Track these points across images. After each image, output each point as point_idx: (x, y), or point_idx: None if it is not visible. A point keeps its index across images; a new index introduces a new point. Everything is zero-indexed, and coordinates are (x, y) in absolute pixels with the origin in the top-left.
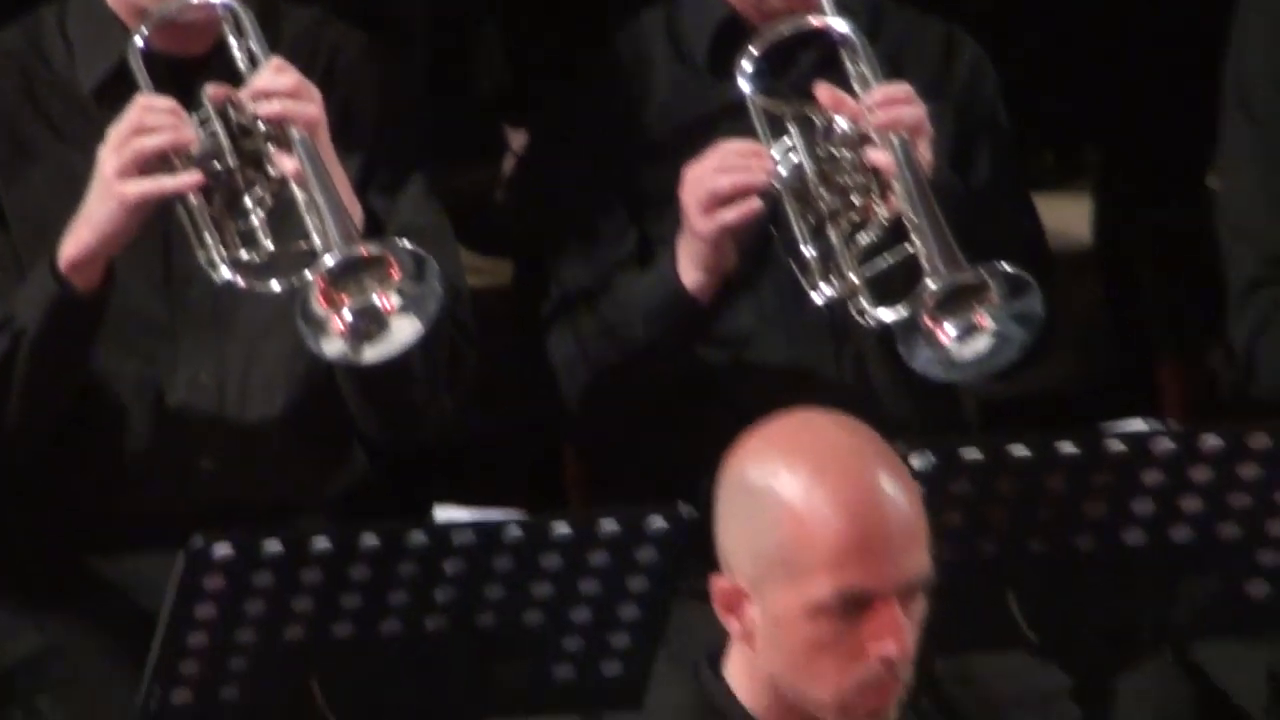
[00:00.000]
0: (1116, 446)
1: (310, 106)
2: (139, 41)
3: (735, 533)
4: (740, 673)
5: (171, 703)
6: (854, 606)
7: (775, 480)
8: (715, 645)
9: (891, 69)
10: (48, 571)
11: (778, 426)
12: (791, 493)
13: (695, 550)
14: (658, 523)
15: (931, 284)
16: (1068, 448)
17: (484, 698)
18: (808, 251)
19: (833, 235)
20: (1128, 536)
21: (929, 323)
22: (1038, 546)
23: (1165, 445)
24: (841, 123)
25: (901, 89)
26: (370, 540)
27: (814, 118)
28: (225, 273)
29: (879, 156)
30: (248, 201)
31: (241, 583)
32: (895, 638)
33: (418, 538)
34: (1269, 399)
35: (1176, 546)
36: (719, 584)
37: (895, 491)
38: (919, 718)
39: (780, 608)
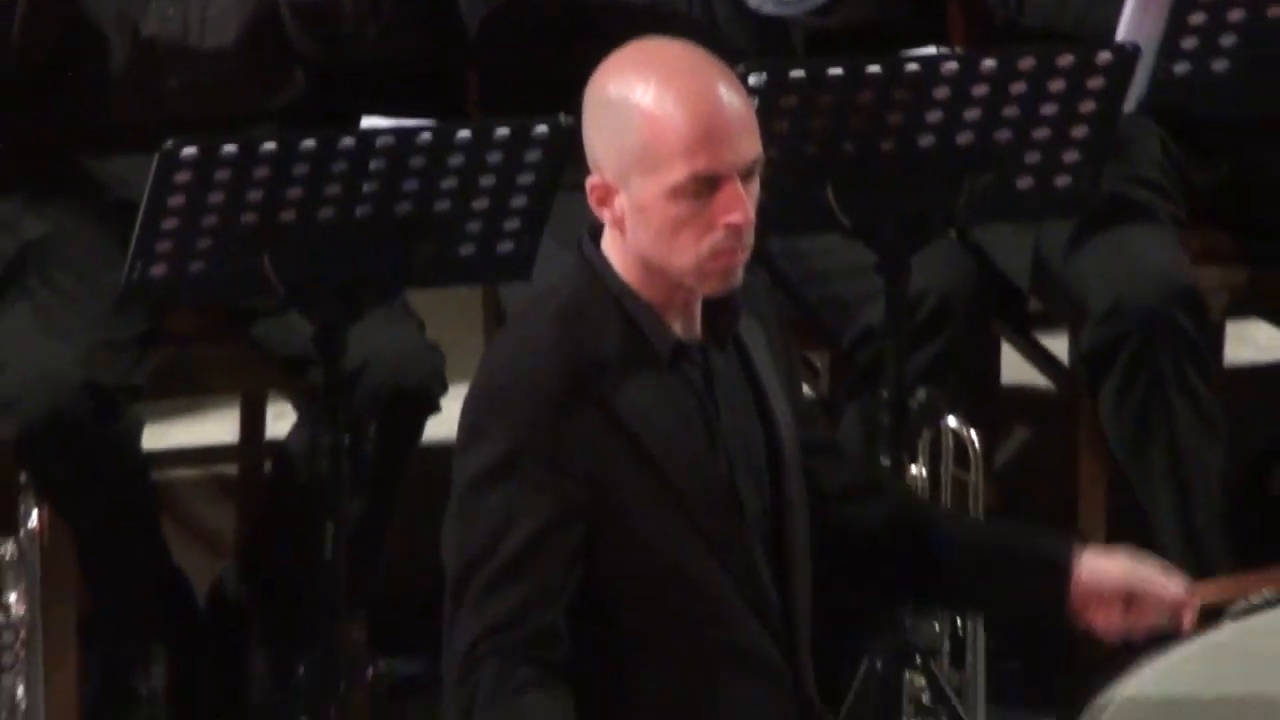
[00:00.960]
0: (912, 67)
1: None
2: None
3: (601, 138)
4: (613, 252)
5: (150, 275)
6: (704, 187)
7: (631, 91)
8: (593, 228)
9: None
10: (50, 171)
11: (631, 49)
12: (645, 99)
13: (573, 153)
14: (541, 129)
15: None
16: (873, 68)
17: (402, 272)
18: None
19: None
20: (921, 141)
21: None
22: (850, 148)
23: (951, 66)
24: None
25: None
26: (309, 143)
27: None
28: None
29: None
30: None
31: (204, 177)
32: (739, 209)
33: (347, 141)
34: (1034, 29)
35: (960, 148)
36: (591, 181)
37: (730, 93)
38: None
39: (643, 195)
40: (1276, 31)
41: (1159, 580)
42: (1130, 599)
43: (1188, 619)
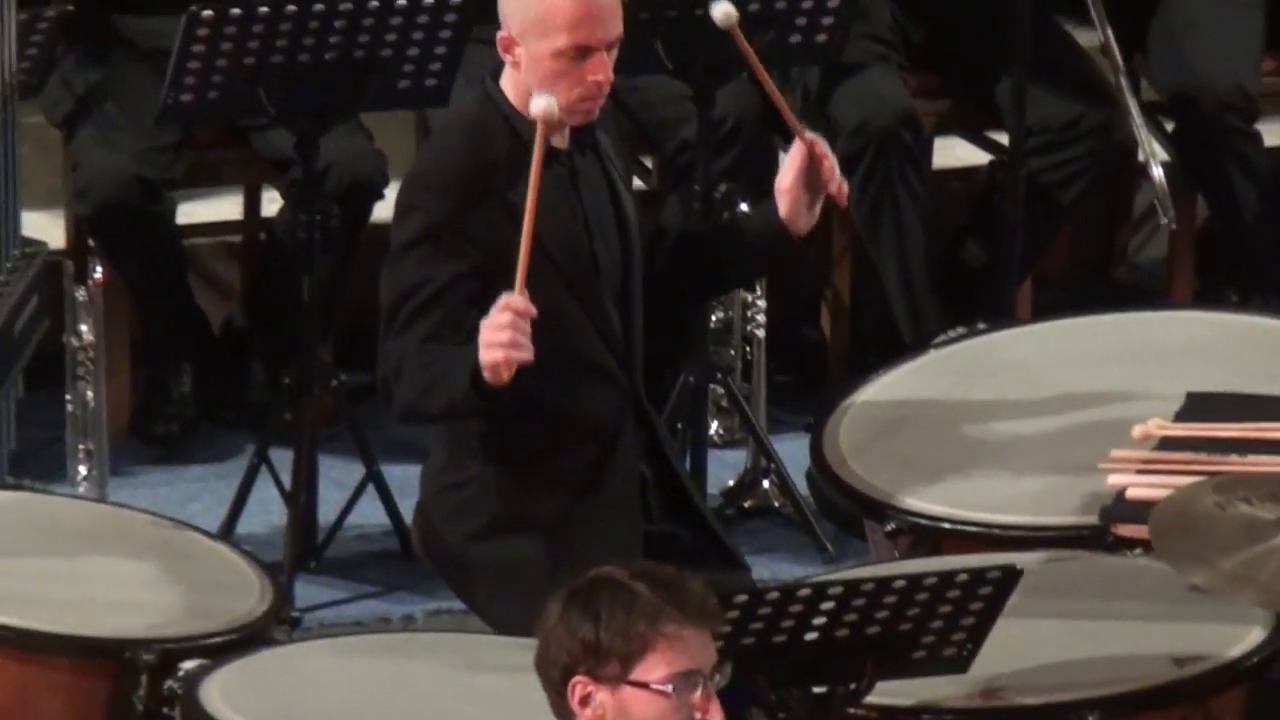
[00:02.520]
0: None
1: None
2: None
3: (511, 5)
4: (508, 86)
5: (181, 101)
6: (579, 53)
7: None
8: (493, 70)
9: None
10: (108, 30)
11: None
12: None
13: (482, 15)
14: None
15: None
16: None
17: (357, 99)
18: None
19: None
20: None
21: None
22: (673, 14)
23: None
24: None
25: None
26: (291, 7)
27: None
28: None
29: None
30: None
31: (217, 32)
32: (603, 71)
33: (319, 6)
34: None
35: (748, 15)
36: (500, 34)
37: None
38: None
39: (536, 50)
40: None
41: (793, 157)
42: (805, 184)
43: (821, 156)
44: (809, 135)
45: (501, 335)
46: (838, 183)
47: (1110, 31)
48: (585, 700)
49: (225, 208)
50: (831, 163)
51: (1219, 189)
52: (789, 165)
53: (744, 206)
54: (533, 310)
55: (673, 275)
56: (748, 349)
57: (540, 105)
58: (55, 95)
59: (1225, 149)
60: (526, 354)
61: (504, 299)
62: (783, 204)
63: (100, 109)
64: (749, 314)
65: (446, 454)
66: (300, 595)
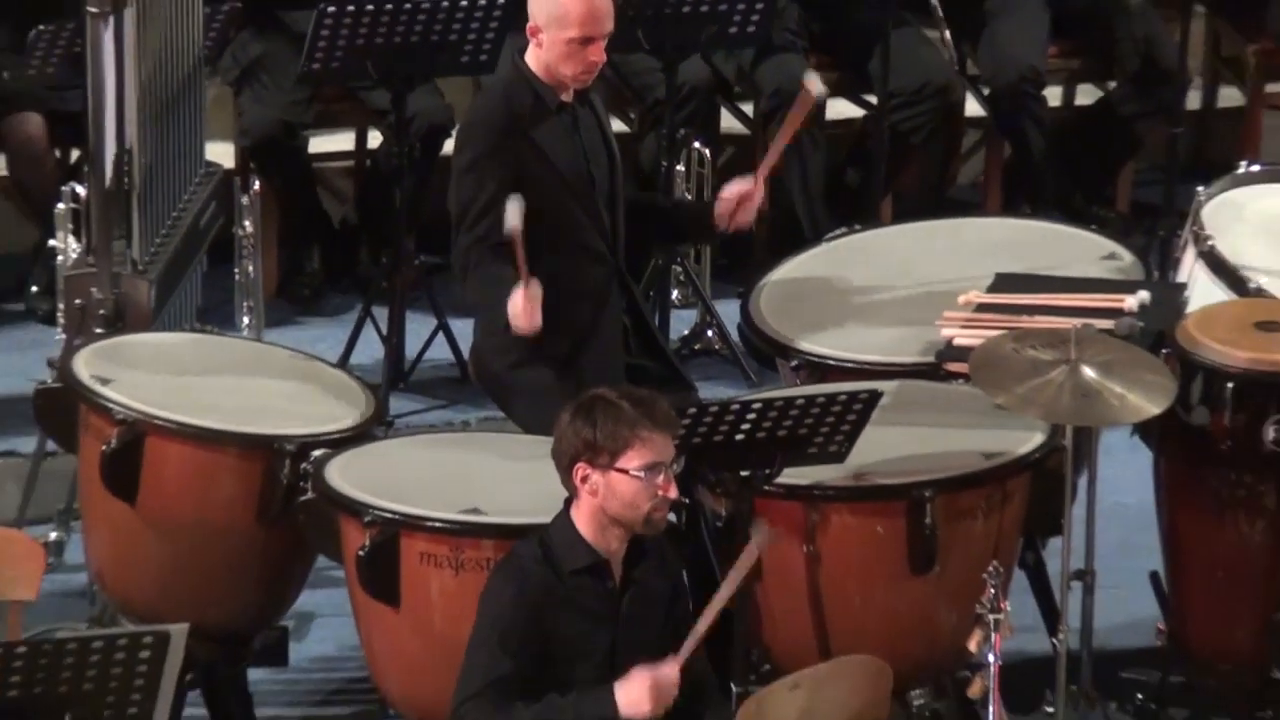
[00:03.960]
0: None
1: None
2: None
3: (538, 4)
4: (531, 61)
5: (313, 69)
6: (585, 42)
7: None
8: (520, 49)
9: None
10: (266, 17)
11: None
12: None
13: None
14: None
15: None
16: None
17: (434, 67)
18: None
19: None
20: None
21: None
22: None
23: None
24: None
25: None
26: (388, 4)
27: None
28: None
29: None
30: None
31: (338, 22)
32: (599, 55)
33: (408, 4)
34: None
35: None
36: (529, 25)
37: None
38: None
39: (554, 39)
40: None
41: (742, 185)
42: (740, 200)
43: (752, 196)
44: (759, 185)
45: (523, 318)
46: (747, 221)
47: (947, 29)
48: (585, 480)
49: (342, 142)
50: (754, 205)
51: (1018, 135)
52: (736, 189)
53: (697, 144)
54: (539, 293)
55: (639, 229)
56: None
57: (511, 218)
58: (228, 64)
59: (1023, 109)
60: (537, 323)
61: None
62: (720, 208)
63: (258, 74)
64: None
65: (489, 319)
66: (393, 407)
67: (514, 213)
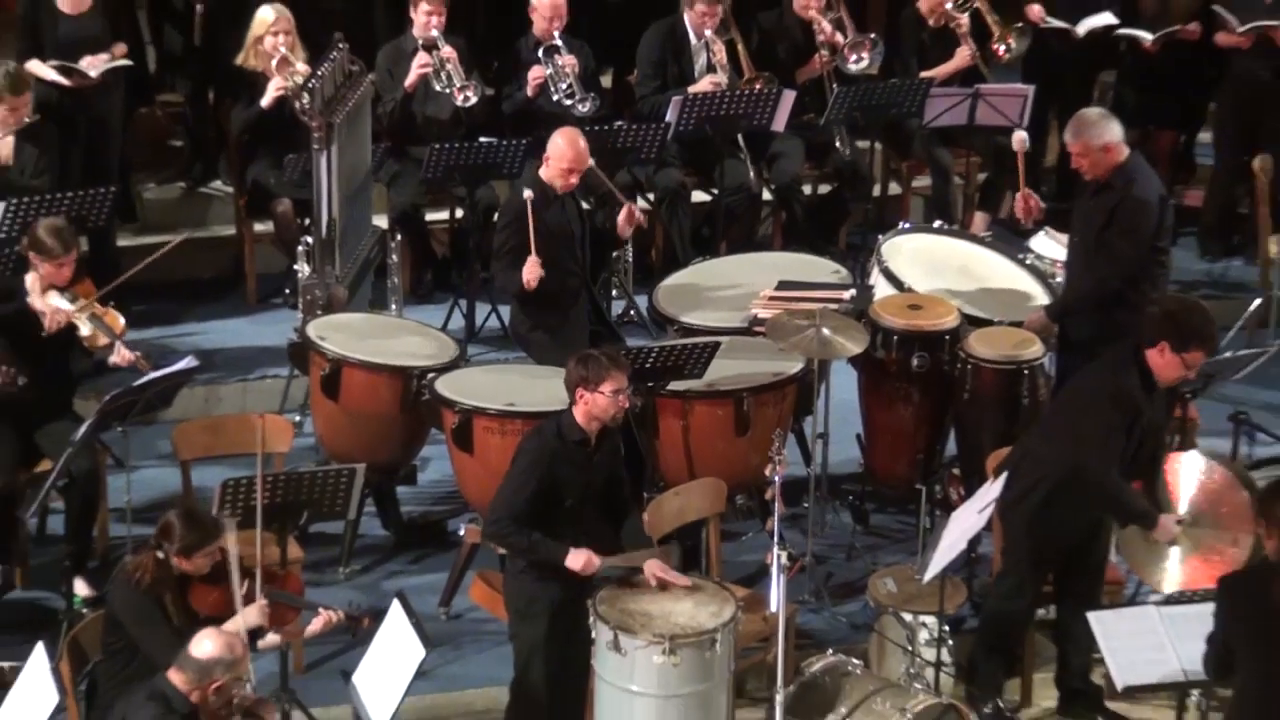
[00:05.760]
0: None
1: None
2: None
3: (549, 147)
4: (544, 174)
5: (426, 177)
6: (570, 171)
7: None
8: (538, 165)
9: None
10: (402, 150)
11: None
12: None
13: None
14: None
15: None
16: None
17: (487, 176)
18: None
19: None
20: None
21: None
22: None
23: None
24: None
25: None
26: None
27: None
28: None
29: None
30: None
31: (438, 155)
32: (578, 177)
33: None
34: None
35: None
36: (544, 155)
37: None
38: None
39: (553, 167)
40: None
41: (625, 209)
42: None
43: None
44: (633, 207)
45: (530, 275)
46: (624, 231)
47: (748, 155)
48: (580, 397)
49: (442, 214)
50: (638, 220)
51: (789, 210)
52: (625, 212)
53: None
54: (540, 270)
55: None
56: (624, 263)
57: (526, 193)
58: (383, 174)
59: (792, 196)
60: (535, 280)
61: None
62: (620, 218)
63: (398, 179)
64: (624, 251)
65: (517, 305)
66: (469, 351)
67: (528, 192)
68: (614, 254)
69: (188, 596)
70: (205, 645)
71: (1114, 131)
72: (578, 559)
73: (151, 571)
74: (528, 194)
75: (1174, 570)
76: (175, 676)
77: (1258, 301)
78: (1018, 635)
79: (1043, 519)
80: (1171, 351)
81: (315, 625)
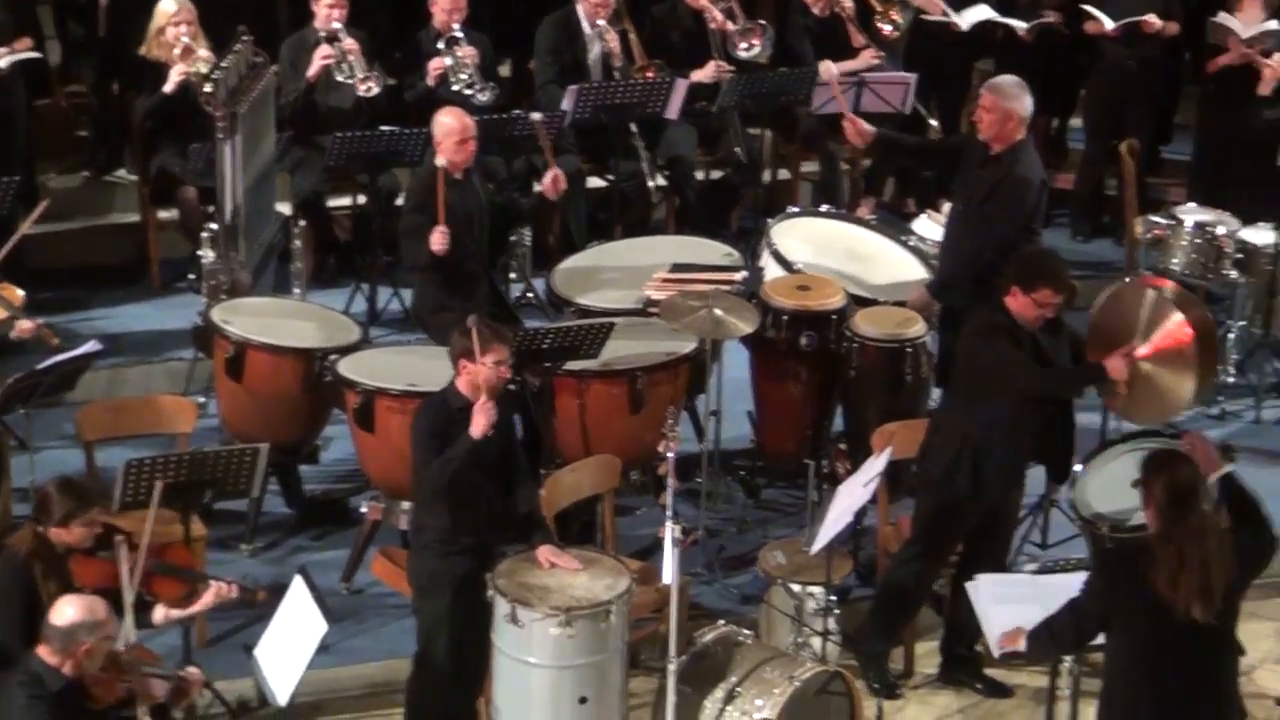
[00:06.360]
0: None
1: None
2: None
3: (436, 129)
4: (440, 156)
5: (329, 165)
6: (463, 141)
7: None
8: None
9: None
10: (302, 137)
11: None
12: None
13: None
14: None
15: None
16: None
17: (389, 162)
18: None
19: None
20: None
21: None
22: None
23: None
24: None
25: None
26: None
27: None
28: None
29: None
30: None
31: (339, 142)
32: (473, 148)
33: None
34: None
35: None
36: (435, 141)
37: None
38: None
39: (445, 143)
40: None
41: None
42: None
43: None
44: (556, 170)
45: (438, 244)
46: (550, 194)
47: (643, 144)
48: (464, 368)
49: (345, 200)
50: (562, 186)
51: (682, 195)
52: (550, 177)
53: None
54: (447, 241)
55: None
56: (522, 247)
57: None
58: (285, 162)
59: (684, 182)
60: (444, 247)
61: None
62: (545, 181)
63: (302, 167)
64: (523, 235)
65: (419, 288)
66: (371, 334)
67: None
68: (512, 238)
69: (68, 571)
70: (66, 611)
71: (1024, 104)
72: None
73: (28, 544)
74: (440, 161)
75: (1166, 375)
76: (43, 650)
77: (1125, 280)
78: (916, 605)
79: (974, 483)
80: (1023, 293)
81: (207, 598)
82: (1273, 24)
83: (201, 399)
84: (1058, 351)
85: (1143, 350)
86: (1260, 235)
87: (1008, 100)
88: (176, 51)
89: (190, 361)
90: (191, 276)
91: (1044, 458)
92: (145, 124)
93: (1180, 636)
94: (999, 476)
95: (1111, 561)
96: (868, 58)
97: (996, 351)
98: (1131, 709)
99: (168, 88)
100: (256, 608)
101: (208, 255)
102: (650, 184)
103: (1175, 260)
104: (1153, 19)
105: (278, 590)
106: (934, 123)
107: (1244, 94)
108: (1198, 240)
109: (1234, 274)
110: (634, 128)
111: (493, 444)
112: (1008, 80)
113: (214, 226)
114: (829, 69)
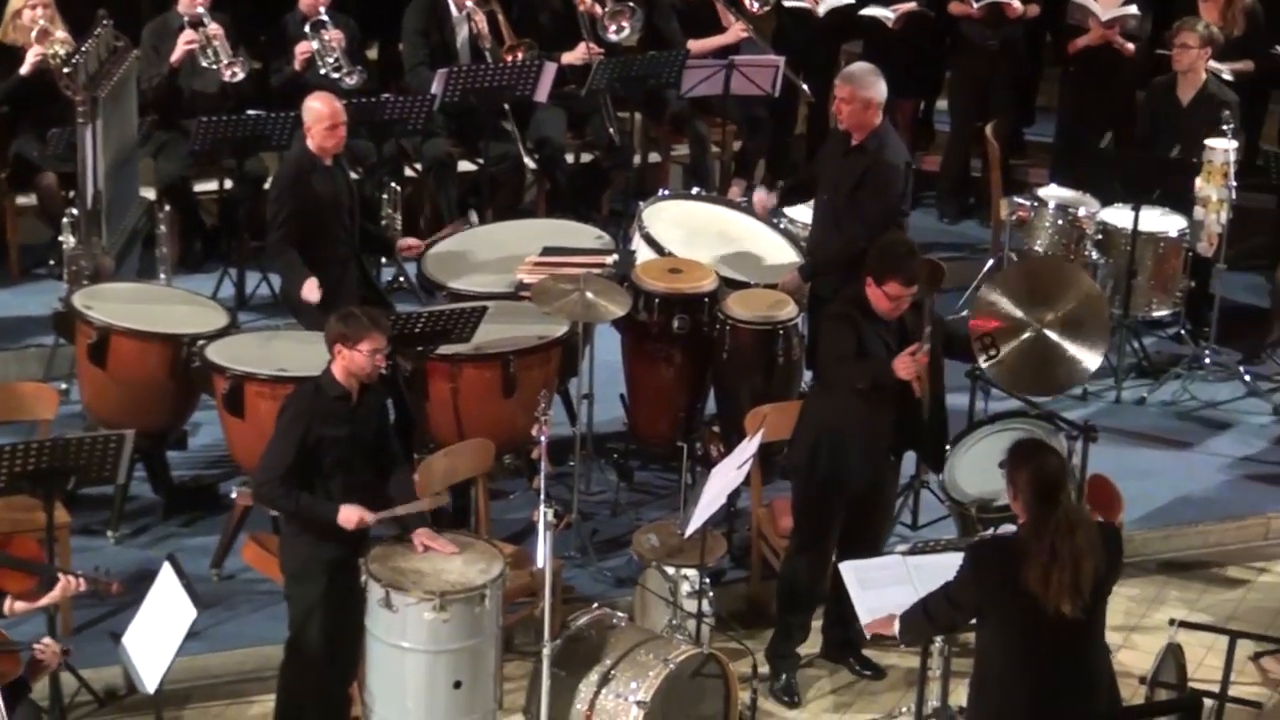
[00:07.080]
0: None
1: None
2: None
3: (306, 114)
4: (309, 140)
5: (194, 150)
6: (333, 126)
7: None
8: (304, 135)
9: None
10: (166, 122)
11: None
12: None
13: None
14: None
15: None
16: None
17: (261, 146)
18: None
19: None
20: None
21: None
22: None
23: None
24: None
25: None
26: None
27: None
28: None
29: None
30: None
31: (206, 127)
32: (342, 134)
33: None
34: None
35: None
36: (305, 126)
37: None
38: None
39: (315, 129)
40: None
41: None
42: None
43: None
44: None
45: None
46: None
47: (515, 127)
48: (339, 353)
49: (211, 185)
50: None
51: (553, 178)
52: (402, 244)
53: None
54: (319, 292)
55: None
56: (393, 232)
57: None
58: (150, 146)
59: (555, 164)
60: (316, 299)
61: None
62: (399, 245)
63: (166, 150)
64: (393, 223)
65: (289, 273)
66: (240, 319)
67: (473, 215)
68: (383, 221)
69: None
70: None
71: (880, 90)
72: (349, 516)
73: None
74: (473, 217)
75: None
76: None
77: (991, 262)
78: (813, 599)
79: (834, 469)
80: (874, 285)
81: (55, 593)
82: (1131, 7)
83: (64, 385)
84: (917, 331)
85: (927, 348)
86: (1119, 216)
87: (864, 89)
88: (33, 34)
89: (51, 348)
90: (52, 263)
91: (916, 445)
92: (1, 108)
93: (1050, 629)
94: (859, 462)
95: (983, 553)
96: (738, 31)
97: (829, 339)
98: (1003, 693)
99: (24, 69)
100: (106, 599)
101: (68, 241)
102: (528, 164)
103: (1039, 241)
104: (1014, 1)
105: (140, 579)
106: (805, 88)
107: (1104, 75)
108: (1059, 221)
109: (1094, 255)
110: (507, 109)
111: (363, 424)
112: (861, 68)
113: (75, 212)
114: (761, 201)
